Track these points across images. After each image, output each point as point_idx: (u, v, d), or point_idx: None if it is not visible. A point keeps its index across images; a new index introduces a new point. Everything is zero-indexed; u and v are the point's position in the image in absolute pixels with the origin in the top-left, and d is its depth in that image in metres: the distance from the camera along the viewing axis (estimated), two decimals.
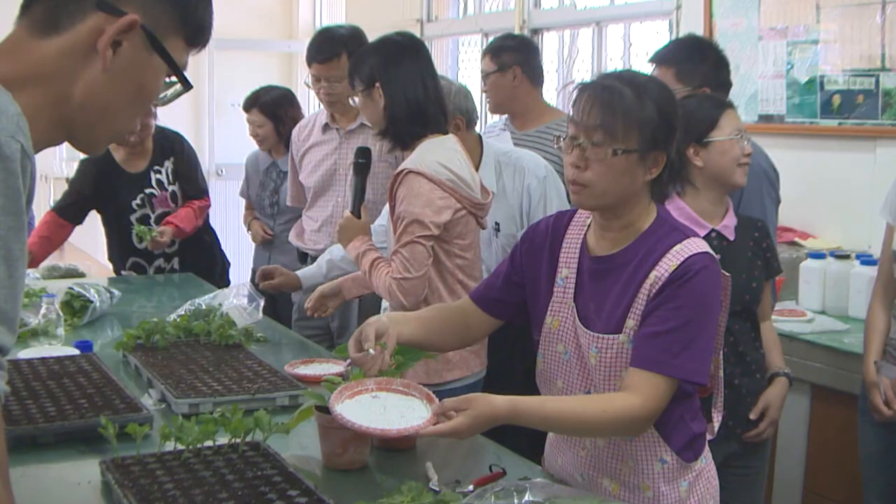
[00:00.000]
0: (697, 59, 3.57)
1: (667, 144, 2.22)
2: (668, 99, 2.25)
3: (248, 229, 5.66)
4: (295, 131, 4.78)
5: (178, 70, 1.56)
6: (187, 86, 1.59)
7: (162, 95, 1.60)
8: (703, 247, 2.21)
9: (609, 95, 2.19)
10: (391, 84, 3.28)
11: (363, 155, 3.59)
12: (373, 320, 2.35)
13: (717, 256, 3.01)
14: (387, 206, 3.44)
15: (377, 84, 3.29)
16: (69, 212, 5.11)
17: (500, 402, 2.11)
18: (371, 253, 3.32)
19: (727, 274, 2.28)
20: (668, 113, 2.23)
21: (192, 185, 5.24)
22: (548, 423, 2.23)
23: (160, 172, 5.16)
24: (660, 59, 3.66)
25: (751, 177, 3.33)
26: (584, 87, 2.24)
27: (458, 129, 3.64)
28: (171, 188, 5.17)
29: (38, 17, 1.47)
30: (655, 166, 2.22)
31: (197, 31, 1.58)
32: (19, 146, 1.33)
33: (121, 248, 5.24)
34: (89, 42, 1.46)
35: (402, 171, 3.21)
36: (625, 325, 2.21)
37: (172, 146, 5.24)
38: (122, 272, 5.26)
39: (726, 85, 3.65)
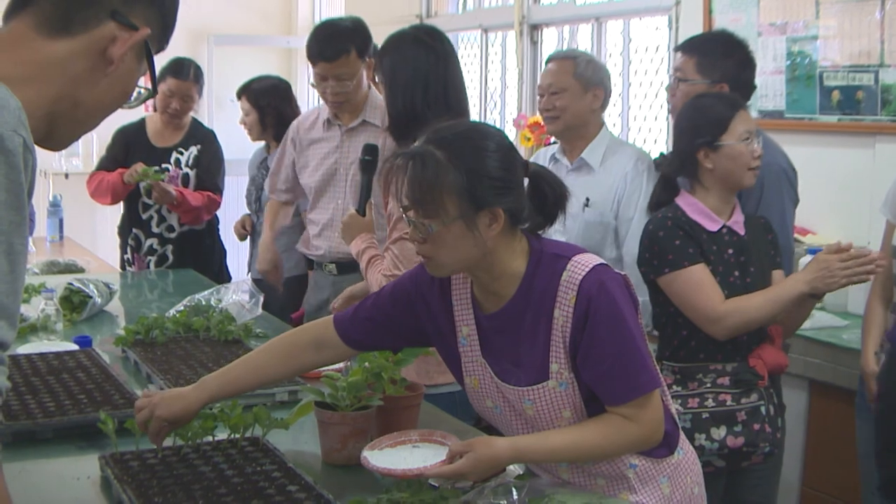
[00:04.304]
0: (721, 54, 3.53)
1: (498, 198, 2.12)
2: (487, 151, 2.13)
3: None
4: (296, 123, 4.51)
5: (155, 78, 1.64)
6: (155, 92, 1.68)
7: (133, 99, 1.66)
8: (589, 261, 2.16)
9: (416, 167, 2.11)
10: (392, 84, 3.28)
11: (370, 152, 3.53)
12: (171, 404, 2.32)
13: (731, 251, 3.06)
14: None
15: (380, 80, 3.33)
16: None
17: (501, 445, 2.14)
18: (370, 251, 3.32)
19: (623, 273, 2.25)
20: (491, 167, 2.12)
21: (209, 176, 5.38)
22: (554, 456, 2.22)
23: (182, 154, 5.36)
24: (684, 47, 3.64)
25: (771, 177, 3.35)
26: (394, 159, 2.17)
27: (596, 100, 3.75)
28: (185, 170, 5.34)
29: (46, 17, 1.49)
30: (495, 222, 2.12)
31: (168, 40, 1.66)
32: (21, 140, 1.35)
33: (129, 218, 5.44)
34: (100, 48, 1.52)
35: None
36: (550, 370, 2.18)
37: (204, 136, 5.47)
38: (126, 253, 5.44)
39: (748, 85, 3.59)
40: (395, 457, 2.23)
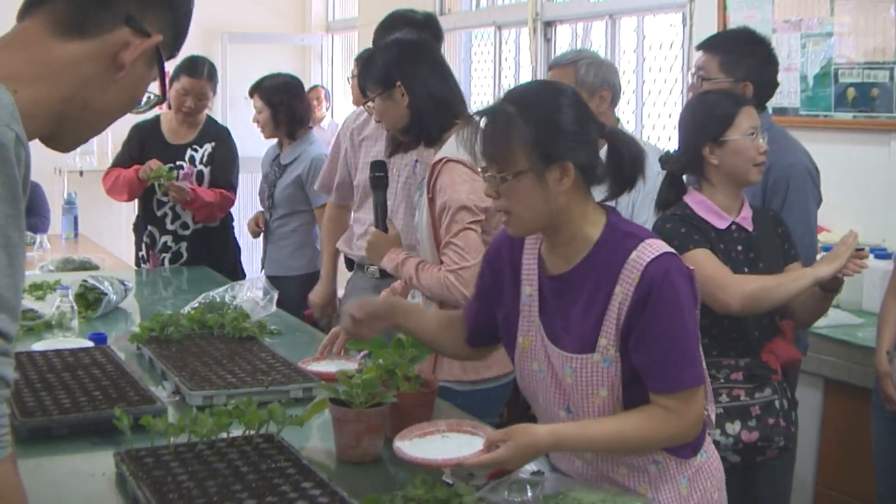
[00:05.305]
0: (744, 52, 3.51)
1: (568, 152, 2.15)
2: (558, 106, 2.19)
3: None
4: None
5: (165, 85, 1.65)
6: (164, 99, 1.67)
7: (143, 104, 1.67)
8: (660, 247, 2.17)
9: (488, 123, 2.20)
10: (412, 80, 3.25)
11: (380, 168, 3.48)
12: (392, 300, 2.46)
13: (740, 248, 3.06)
14: None
15: (398, 83, 3.26)
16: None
17: (542, 432, 2.15)
18: (411, 259, 3.26)
19: (692, 268, 2.25)
20: (561, 121, 2.17)
21: (223, 173, 5.36)
22: (592, 446, 2.24)
23: (197, 151, 5.34)
24: (706, 45, 3.61)
25: (795, 176, 3.35)
26: (474, 117, 2.25)
27: (603, 101, 3.66)
28: (200, 167, 5.31)
29: (60, 17, 1.50)
30: (564, 177, 2.15)
31: (179, 47, 1.66)
32: (14, 134, 1.37)
33: (144, 215, 5.43)
34: (112, 52, 1.53)
35: (440, 160, 3.19)
36: (597, 343, 2.19)
37: (218, 134, 5.46)
38: (140, 250, 5.43)
39: (771, 83, 3.58)
40: (428, 447, 2.24)
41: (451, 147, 3.21)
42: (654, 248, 2.16)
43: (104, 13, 1.51)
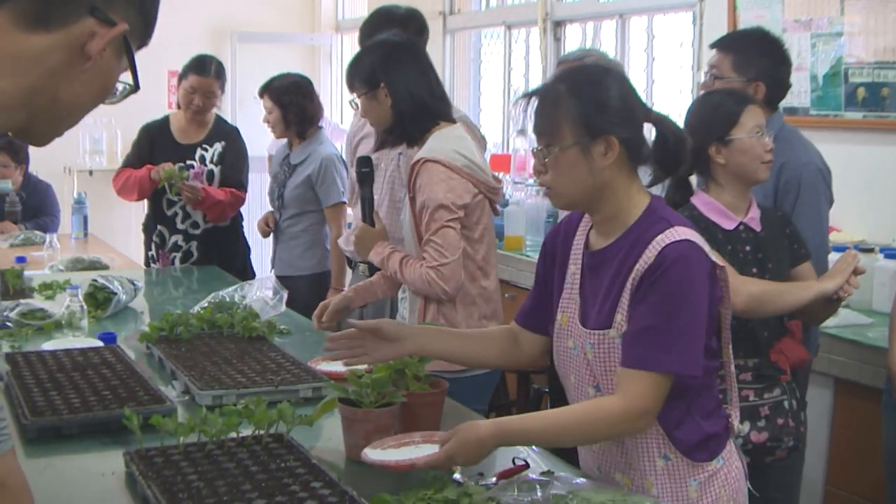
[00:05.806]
0: (757, 52, 3.51)
1: (613, 127, 2.21)
2: (605, 83, 2.26)
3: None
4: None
5: (136, 74, 1.62)
6: (138, 88, 1.64)
7: (118, 95, 1.65)
8: (686, 234, 2.19)
9: (540, 99, 2.28)
10: (396, 83, 3.30)
11: (365, 164, 3.53)
12: (395, 323, 2.50)
13: (748, 248, 3.06)
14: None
15: (382, 84, 3.30)
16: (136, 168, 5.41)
17: (485, 426, 2.18)
18: (397, 254, 3.34)
19: (722, 265, 2.25)
20: (607, 97, 2.23)
21: (233, 172, 5.38)
22: (533, 437, 2.27)
23: (207, 150, 5.37)
24: (720, 44, 3.61)
25: (807, 177, 3.35)
26: (525, 96, 2.32)
27: None
28: (210, 167, 5.34)
29: (24, 11, 1.50)
30: (609, 151, 2.21)
31: (150, 35, 1.64)
32: None
33: (154, 215, 5.46)
34: (78, 44, 1.50)
35: (418, 160, 3.25)
36: (614, 319, 2.22)
37: (228, 133, 5.49)
38: (150, 250, 5.46)
39: (784, 83, 3.57)
40: (398, 454, 2.27)
41: (431, 147, 3.27)
42: (680, 233, 2.19)
43: (68, 4, 1.49)
